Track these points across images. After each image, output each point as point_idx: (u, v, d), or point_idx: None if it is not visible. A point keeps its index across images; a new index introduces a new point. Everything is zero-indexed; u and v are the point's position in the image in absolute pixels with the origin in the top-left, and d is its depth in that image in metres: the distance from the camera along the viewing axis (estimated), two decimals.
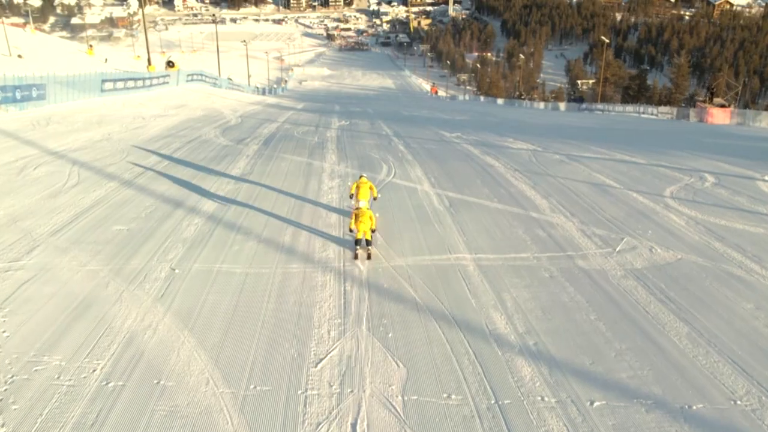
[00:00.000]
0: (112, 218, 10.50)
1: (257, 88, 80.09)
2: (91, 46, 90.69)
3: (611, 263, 9.15)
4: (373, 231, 9.60)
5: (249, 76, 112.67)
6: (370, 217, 9.46)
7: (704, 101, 37.94)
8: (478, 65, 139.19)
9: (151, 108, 28.64)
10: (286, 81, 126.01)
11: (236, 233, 9.97)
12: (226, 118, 26.85)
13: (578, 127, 28.70)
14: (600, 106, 47.39)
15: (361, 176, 11.66)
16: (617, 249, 9.72)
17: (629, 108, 43.61)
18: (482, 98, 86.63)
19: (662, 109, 39.56)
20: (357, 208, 9.68)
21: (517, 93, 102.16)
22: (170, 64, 45.69)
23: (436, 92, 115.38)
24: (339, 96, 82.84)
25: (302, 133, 22.12)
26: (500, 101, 76.12)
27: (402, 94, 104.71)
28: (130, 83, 33.58)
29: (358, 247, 9.47)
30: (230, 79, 71.50)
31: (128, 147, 17.18)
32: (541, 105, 61.71)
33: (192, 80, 48.65)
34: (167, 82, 41.66)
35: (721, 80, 42.34)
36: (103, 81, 30.04)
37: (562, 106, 55.85)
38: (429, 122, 29.11)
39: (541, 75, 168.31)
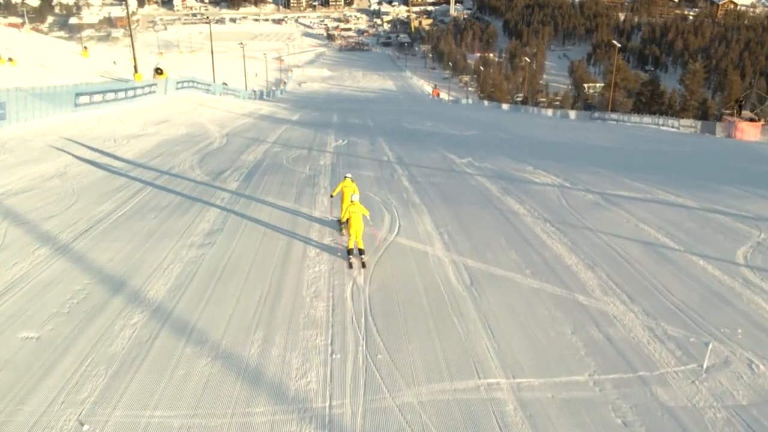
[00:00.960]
0: (25, 315, 7.87)
1: (254, 91, 77.53)
2: (85, 47, 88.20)
3: (703, 394, 6.55)
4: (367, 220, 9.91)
5: (255, 76, 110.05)
6: (363, 213, 9.66)
7: (731, 114, 35.38)
8: (481, 67, 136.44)
9: (129, 125, 26.02)
10: (285, 83, 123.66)
11: (185, 343, 7.33)
12: (211, 137, 24.19)
13: (601, 148, 26.02)
14: (614, 115, 44.65)
15: (345, 177, 11.34)
16: (705, 365, 7.11)
17: (647, 119, 40.86)
18: (486, 102, 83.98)
19: (684, 122, 36.76)
20: (351, 203, 9.74)
21: (522, 96, 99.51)
22: (158, 71, 43.04)
23: (438, 95, 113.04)
24: (339, 100, 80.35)
25: (292, 161, 19.44)
26: (505, 106, 73.42)
27: (403, 97, 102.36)
28: (110, 95, 30.92)
29: (351, 256, 9.46)
30: (225, 84, 68.94)
31: (83, 186, 14.54)
32: (549, 112, 58.96)
33: (182, 87, 46.04)
34: (154, 92, 39.02)
35: (750, 90, 39.63)
36: (77, 95, 27.37)
37: (572, 114, 53.09)
38: (434, 140, 26.49)
39: (544, 76, 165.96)
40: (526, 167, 18.65)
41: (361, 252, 9.40)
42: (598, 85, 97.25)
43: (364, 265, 9.39)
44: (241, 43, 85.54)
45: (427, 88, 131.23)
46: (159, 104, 35.18)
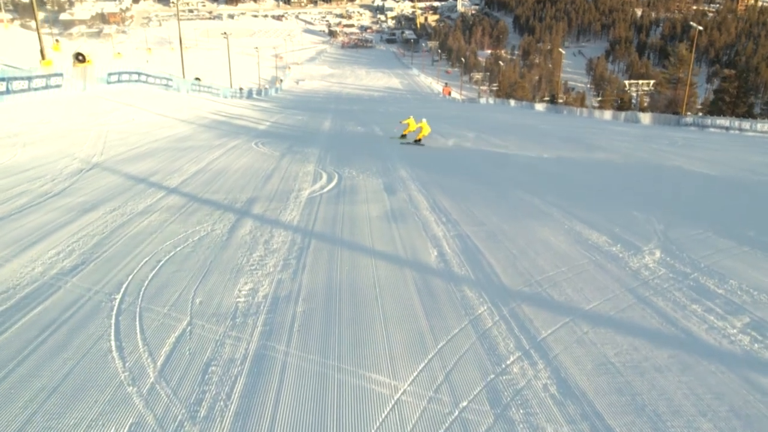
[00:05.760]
0: None
1: (240, 90, 65.13)
2: (57, 40, 76.66)
3: None
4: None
5: (258, 70, 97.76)
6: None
7: None
8: (501, 63, 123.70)
9: None
10: (281, 81, 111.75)
11: None
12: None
13: None
14: (721, 121, 31.73)
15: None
16: None
17: None
18: (512, 102, 71.08)
19: None
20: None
21: (549, 96, 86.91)
22: (79, 57, 30.44)
23: (449, 93, 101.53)
24: (338, 100, 67.89)
25: None
26: (539, 107, 60.52)
27: (412, 96, 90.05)
28: None
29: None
30: (198, 79, 56.35)
31: None
32: (607, 114, 46.03)
33: (119, 81, 33.48)
34: (59, 85, 26.48)
35: None
36: None
37: (645, 118, 40.08)
38: (515, 182, 13.50)
39: (561, 74, 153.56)
40: None
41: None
42: (641, 81, 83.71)
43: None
44: (224, 33, 72.93)
45: (437, 86, 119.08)
46: (46, 107, 22.46)
